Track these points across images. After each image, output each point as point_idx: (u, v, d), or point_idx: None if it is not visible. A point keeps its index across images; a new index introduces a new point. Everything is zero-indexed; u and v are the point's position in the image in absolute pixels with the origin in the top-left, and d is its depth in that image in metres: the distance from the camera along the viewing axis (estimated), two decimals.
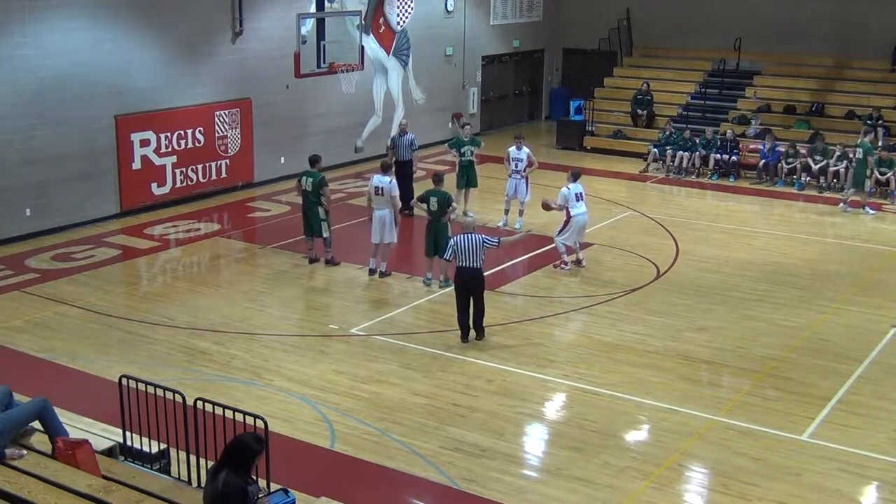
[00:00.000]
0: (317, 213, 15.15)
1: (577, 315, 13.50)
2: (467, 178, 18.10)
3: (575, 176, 15.46)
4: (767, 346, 12.38)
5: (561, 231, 15.32)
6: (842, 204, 19.45)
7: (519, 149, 17.31)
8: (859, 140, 19.81)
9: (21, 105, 16.10)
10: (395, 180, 15.02)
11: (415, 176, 18.54)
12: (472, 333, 12.38)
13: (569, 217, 15.13)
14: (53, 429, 7.83)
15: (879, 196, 20.08)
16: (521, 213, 17.51)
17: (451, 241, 12.45)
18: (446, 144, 19.22)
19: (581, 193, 15.27)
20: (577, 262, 15.43)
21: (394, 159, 17.68)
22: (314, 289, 14.63)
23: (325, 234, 15.24)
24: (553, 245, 15.60)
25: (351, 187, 19.89)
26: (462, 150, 18.07)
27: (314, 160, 15.39)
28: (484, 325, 12.42)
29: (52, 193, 16.83)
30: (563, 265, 15.35)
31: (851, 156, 20.69)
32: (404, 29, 23.58)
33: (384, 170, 15.13)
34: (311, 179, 15.10)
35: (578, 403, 10.81)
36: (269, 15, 20.01)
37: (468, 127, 18.84)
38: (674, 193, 21.19)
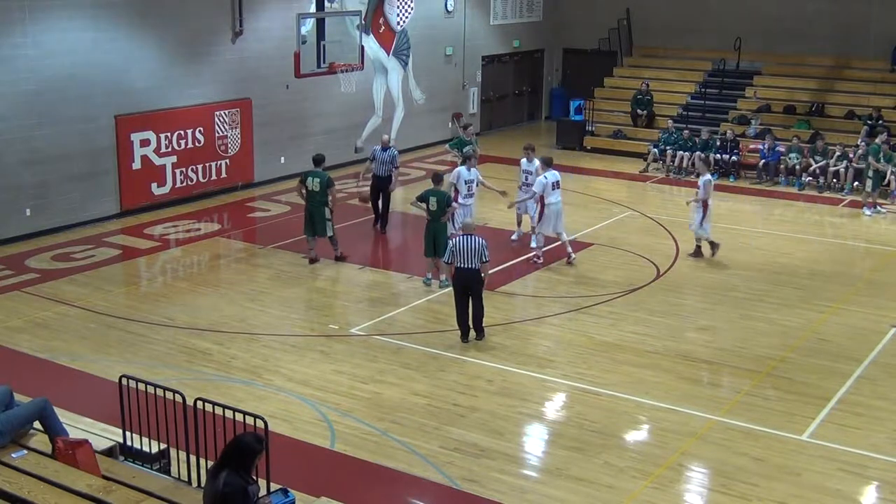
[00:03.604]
0: (323, 213, 15.14)
1: (577, 315, 13.49)
2: None
3: (547, 163, 15.39)
4: (767, 346, 12.38)
5: (539, 222, 15.40)
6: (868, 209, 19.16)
7: (530, 160, 16.48)
8: (859, 141, 19.74)
9: (21, 105, 16.10)
10: (475, 170, 15.53)
11: (394, 185, 17.62)
12: (472, 333, 12.39)
13: (543, 206, 15.16)
14: (53, 429, 7.84)
15: (878, 195, 20.01)
16: (533, 230, 16.07)
17: (450, 243, 12.46)
18: (447, 145, 19.15)
19: (558, 182, 15.27)
20: (569, 259, 15.44)
21: (371, 173, 17.45)
22: (314, 289, 14.62)
23: (331, 234, 15.27)
24: (533, 241, 15.75)
25: (351, 187, 19.86)
26: (464, 151, 17.94)
27: (319, 160, 15.38)
28: (484, 325, 12.42)
29: (52, 193, 16.83)
30: (535, 258, 15.40)
31: (852, 156, 20.68)
32: (404, 29, 23.58)
33: (466, 161, 15.67)
34: (318, 179, 15.08)
35: (578, 403, 10.81)
36: (269, 15, 20.01)
37: (472, 128, 18.70)
38: (674, 193, 21.17)
